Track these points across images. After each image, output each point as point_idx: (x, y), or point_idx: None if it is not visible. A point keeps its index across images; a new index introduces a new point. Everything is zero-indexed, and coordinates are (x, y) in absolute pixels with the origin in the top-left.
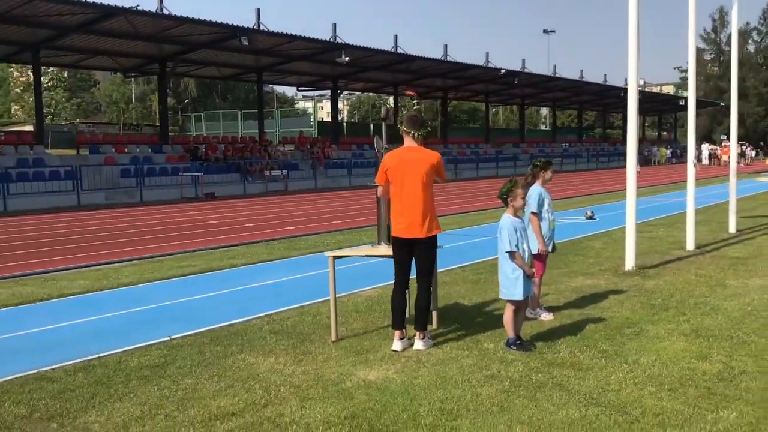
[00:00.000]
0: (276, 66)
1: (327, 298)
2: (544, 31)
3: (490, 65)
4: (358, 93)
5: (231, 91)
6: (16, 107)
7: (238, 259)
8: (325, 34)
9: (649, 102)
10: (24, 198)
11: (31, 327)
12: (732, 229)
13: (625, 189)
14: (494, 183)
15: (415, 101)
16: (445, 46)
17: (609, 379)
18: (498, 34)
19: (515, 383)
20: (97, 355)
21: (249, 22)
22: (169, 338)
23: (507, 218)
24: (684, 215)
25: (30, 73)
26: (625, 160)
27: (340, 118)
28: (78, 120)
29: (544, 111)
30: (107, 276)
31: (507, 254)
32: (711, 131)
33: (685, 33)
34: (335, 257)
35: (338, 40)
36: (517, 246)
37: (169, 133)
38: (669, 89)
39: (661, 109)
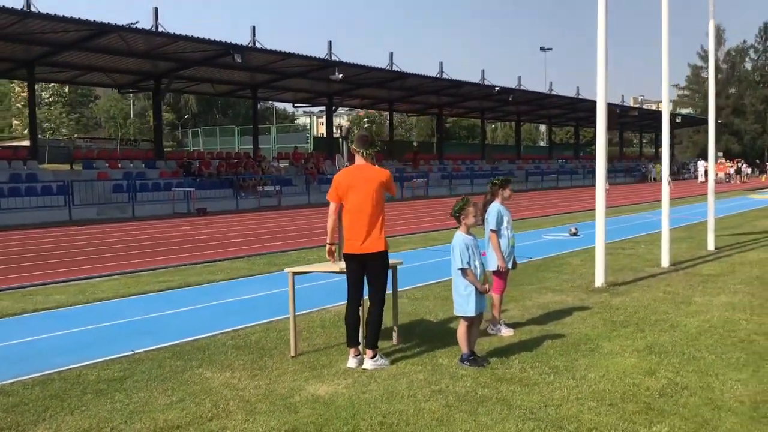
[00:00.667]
0: (271, 83)
1: (296, 313)
2: (541, 49)
3: (486, 83)
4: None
5: (231, 107)
6: (17, 122)
7: (217, 274)
8: (321, 52)
9: (647, 119)
10: (15, 213)
11: None
12: (711, 246)
13: (615, 206)
14: None
15: (365, 120)
16: (441, 64)
17: (553, 394)
18: (495, 51)
19: (460, 398)
20: (57, 369)
21: (246, 39)
22: (132, 353)
23: (459, 236)
24: (670, 232)
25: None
26: (622, 176)
27: (336, 134)
28: (76, 135)
29: (544, 127)
30: (84, 291)
31: (459, 271)
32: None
33: (682, 51)
34: (294, 273)
35: (334, 57)
36: (468, 263)
37: (166, 149)
38: None
39: (657, 125)
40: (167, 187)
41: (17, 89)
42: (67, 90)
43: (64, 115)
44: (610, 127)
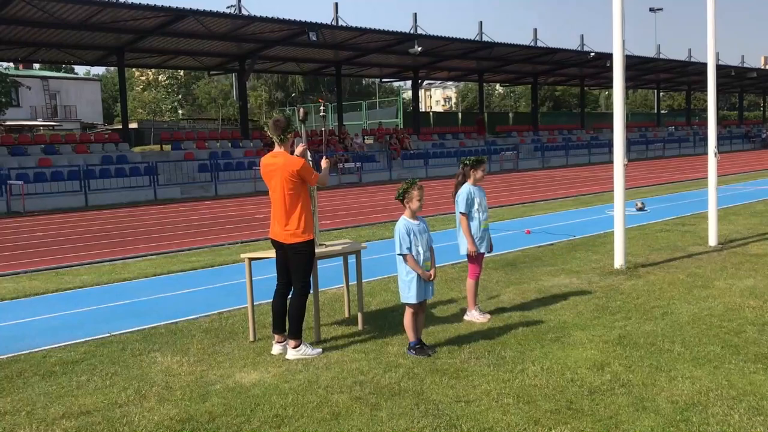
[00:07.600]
0: (354, 59)
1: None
2: (650, 9)
3: (586, 48)
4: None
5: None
6: (135, 105)
7: (246, 254)
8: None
9: None
10: (105, 193)
11: None
12: None
13: (707, 177)
14: (579, 171)
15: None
16: (535, 30)
17: (476, 389)
18: (595, 16)
19: (376, 390)
20: (29, 350)
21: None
22: (108, 334)
23: (402, 220)
24: (751, 205)
25: (150, 72)
26: (740, 142)
27: (444, 107)
28: (180, 117)
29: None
30: (114, 271)
31: (400, 257)
32: None
33: None
34: (251, 259)
35: (418, 30)
36: (409, 248)
37: (264, 128)
38: None
39: None
40: (250, 166)
41: (136, 74)
42: (182, 73)
43: (166, 98)
44: (721, 91)
